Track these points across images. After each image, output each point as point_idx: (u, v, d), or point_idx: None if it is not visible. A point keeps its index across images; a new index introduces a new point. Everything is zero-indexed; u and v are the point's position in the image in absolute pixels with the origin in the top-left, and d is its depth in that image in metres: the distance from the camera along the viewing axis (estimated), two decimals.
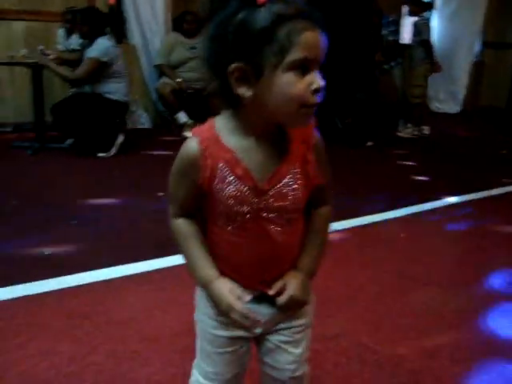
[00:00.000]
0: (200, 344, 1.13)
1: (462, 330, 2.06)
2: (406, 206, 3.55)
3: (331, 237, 2.82)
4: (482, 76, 9.20)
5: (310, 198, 1.03)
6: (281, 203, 0.97)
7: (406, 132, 6.41)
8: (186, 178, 0.97)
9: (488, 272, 2.58)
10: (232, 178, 0.94)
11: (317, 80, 0.88)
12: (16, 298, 2.12)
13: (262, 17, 0.85)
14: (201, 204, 1.01)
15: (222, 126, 0.96)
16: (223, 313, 1.01)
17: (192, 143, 0.95)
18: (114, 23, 5.96)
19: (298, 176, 0.97)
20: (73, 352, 1.77)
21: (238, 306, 0.99)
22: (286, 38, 0.85)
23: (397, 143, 6.10)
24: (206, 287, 1.02)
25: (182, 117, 5.61)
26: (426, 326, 2.06)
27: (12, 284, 2.22)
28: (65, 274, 2.33)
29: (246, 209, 0.96)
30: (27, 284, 2.23)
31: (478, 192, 4.00)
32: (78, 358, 1.74)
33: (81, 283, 2.27)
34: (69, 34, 5.34)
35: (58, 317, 1.99)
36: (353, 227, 3.11)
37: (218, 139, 0.95)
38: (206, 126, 0.97)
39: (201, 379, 1.14)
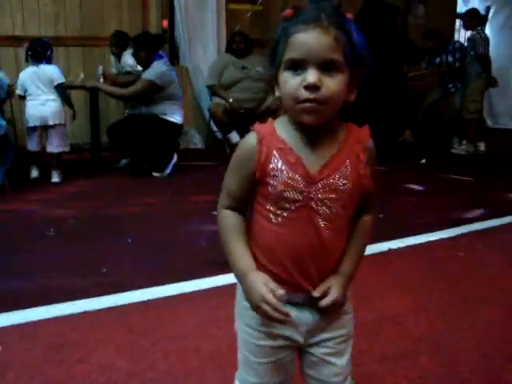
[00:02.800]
0: (242, 355, 1.13)
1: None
2: (464, 224, 3.44)
3: (387, 255, 2.78)
4: None
5: (359, 204, 1.06)
6: (329, 195, 1.00)
7: (460, 149, 6.25)
8: (242, 167, 1.04)
9: None
10: (285, 165, 1.00)
11: (307, 77, 0.94)
12: (76, 314, 2.17)
13: (279, 26, 0.99)
14: (251, 197, 1.06)
15: (279, 122, 1.05)
16: (254, 305, 1.01)
17: (250, 135, 1.04)
18: (167, 46, 6.14)
19: (349, 172, 1.01)
20: (131, 368, 1.79)
21: (270, 297, 0.98)
22: (283, 41, 0.97)
23: (451, 160, 5.95)
24: (242, 278, 1.03)
25: (235, 137, 5.67)
26: (491, 348, 1.98)
27: (72, 299, 2.27)
28: (121, 291, 2.37)
29: (296, 196, 1.00)
30: (86, 300, 2.28)
31: None
32: (136, 373, 1.76)
33: (137, 300, 2.30)
34: (116, 56, 5.49)
35: (117, 333, 2.02)
36: (408, 246, 3.03)
37: (274, 132, 1.03)
38: (265, 124, 1.05)
39: None
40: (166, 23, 6.17)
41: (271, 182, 1.00)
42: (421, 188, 4.60)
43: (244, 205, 1.08)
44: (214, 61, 6.11)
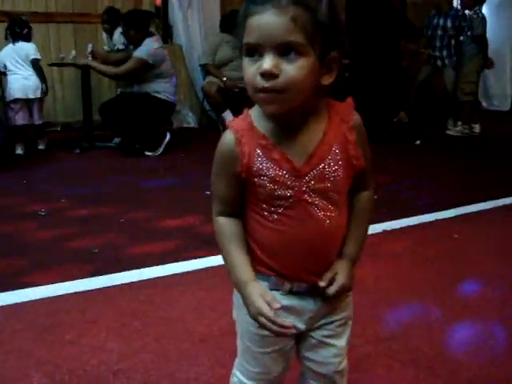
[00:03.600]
0: (243, 344, 1.11)
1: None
2: (459, 206, 3.43)
3: (381, 237, 2.77)
4: None
5: (354, 182, 1.02)
6: (322, 185, 0.95)
7: (455, 130, 6.22)
8: (226, 169, 0.98)
9: None
10: (269, 163, 0.95)
11: (262, 63, 0.86)
12: (66, 295, 2.15)
13: (242, 6, 0.90)
14: (243, 198, 1.01)
15: (256, 113, 0.97)
16: (252, 316, 0.98)
17: (227, 135, 0.98)
18: (160, 24, 6.05)
19: (339, 157, 0.96)
20: (122, 350, 1.78)
21: (266, 310, 0.95)
22: (242, 23, 0.88)
23: (446, 142, 5.93)
24: (241, 289, 1.00)
25: (228, 116, 5.61)
26: (484, 330, 1.98)
27: (62, 281, 2.25)
28: (113, 272, 2.35)
29: (288, 192, 0.95)
30: (77, 281, 2.26)
31: None
32: (127, 355, 1.75)
33: (129, 281, 2.28)
34: (108, 33, 5.41)
35: (108, 314, 2.00)
36: (402, 227, 3.02)
37: (253, 127, 0.96)
38: (240, 117, 0.99)
39: (244, 380, 1.12)
40: (159, 1, 6.07)
41: (259, 182, 0.95)
42: (414, 170, 4.58)
43: (237, 207, 1.03)
44: (207, 39, 6.03)
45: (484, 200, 3.59)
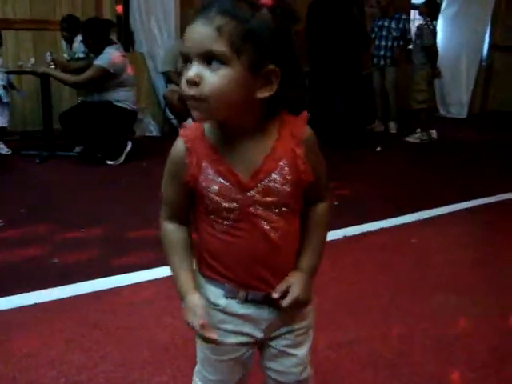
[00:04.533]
0: (201, 352, 1.11)
1: (475, 336, 2.01)
2: (417, 211, 3.50)
3: (341, 243, 2.80)
4: (490, 80, 9.13)
5: (307, 195, 1.02)
6: (268, 199, 0.96)
7: (414, 137, 6.34)
8: (175, 177, 0.99)
9: (498, 278, 2.55)
10: (216, 175, 0.95)
11: (187, 72, 0.87)
12: (25, 306, 2.10)
13: None
14: (191, 205, 1.02)
15: (209, 125, 0.97)
16: (189, 324, 0.99)
17: (178, 143, 0.99)
18: (122, 32, 6.00)
19: (286, 171, 0.95)
20: (82, 361, 1.75)
21: (195, 323, 0.97)
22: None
23: (406, 148, 6.05)
24: (182, 298, 1.03)
25: (191, 124, 5.60)
26: (442, 332, 2.02)
27: (20, 292, 2.20)
28: (73, 282, 2.32)
29: (233, 205, 0.96)
30: (36, 292, 2.21)
31: (490, 196, 3.95)
32: (87, 366, 1.72)
33: (89, 291, 2.25)
34: (67, 41, 5.34)
35: (68, 325, 1.97)
36: (362, 233, 3.07)
37: (203, 137, 0.97)
38: (193, 126, 1.00)
39: None
40: (120, 8, 6.02)
41: (206, 193, 0.96)
42: (374, 175, 4.66)
43: (185, 214, 1.04)
44: (169, 47, 6.01)
45: (442, 204, 3.67)
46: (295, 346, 1.10)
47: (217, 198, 0.96)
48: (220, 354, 1.07)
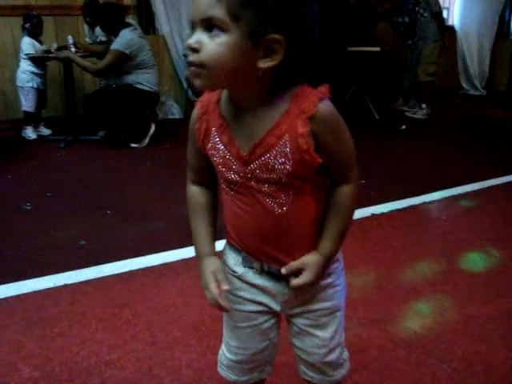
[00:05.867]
0: (225, 318, 1.13)
1: (509, 316, 1.97)
2: (446, 188, 3.44)
3: (369, 221, 2.77)
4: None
5: (329, 175, 0.97)
6: (267, 175, 0.92)
7: (422, 113, 6.15)
8: (192, 142, 1.01)
9: None
10: (220, 144, 0.94)
11: (189, 39, 0.85)
12: (54, 288, 2.12)
13: None
14: (211, 168, 1.01)
15: (224, 93, 0.96)
16: (202, 287, 1.01)
17: (194, 109, 0.99)
18: (142, 15, 5.97)
19: (288, 149, 0.90)
20: (113, 340, 1.76)
21: (212, 288, 0.98)
22: None
23: (426, 125, 5.92)
24: (198, 261, 1.04)
25: None
26: (475, 311, 1.98)
27: (50, 274, 2.22)
28: (101, 263, 2.33)
29: (235, 177, 0.95)
30: (65, 273, 2.23)
31: None
32: (118, 346, 1.73)
33: (118, 272, 2.26)
34: (90, 26, 5.34)
35: (98, 305, 1.98)
36: (391, 211, 3.03)
37: (216, 106, 0.95)
38: (211, 93, 0.97)
39: (226, 353, 1.15)
40: None
41: (213, 160, 0.96)
42: (401, 153, 4.59)
43: (207, 177, 1.04)
44: (190, 29, 5.98)
45: (468, 182, 3.60)
46: (317, 326, 1.08)
47: (220, 167, 0.96)
48: (238, 320, 1.08)
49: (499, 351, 1.73)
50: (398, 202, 3.16)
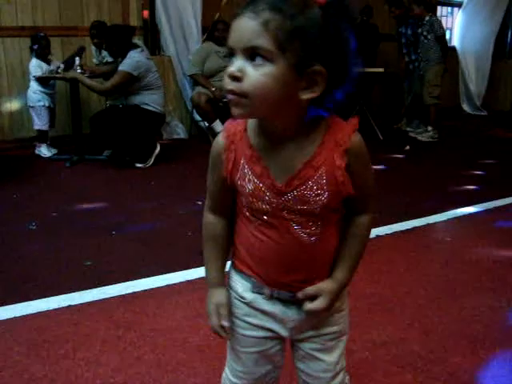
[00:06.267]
0: (230, 343, 1.12)
1: None
2: (450, 210, 3.44)
3: (374, 242, 2.76)
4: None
5: (349, 205, 0.98)
6: (301, 206, 0.93)
7: (428, 136, 6.19)
8: (215, 171, 1.00)
9: None
10: (251, 175, 0.94)
11: (230, 66, 0.84)
12: (59, 308, 2.12)
13: None
14: (232, 198, 1.02)
15: (252, 122, 0.95)
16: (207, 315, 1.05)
17: (220, 137, 0.98)
18: (148, 35, 6.05)
19: (324, 181, 0.91)
20: (117, 362, 1.76)
21: (213, 320, 1.04)
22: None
23: (430, 147, 5.94)
24: (208, 289, 1.07)
25: (218, 126, 5.60)
26: (479, 333, 1.97)
27: (54, 294, 2.22)
28: (106, 284, 2.33)
29: (266, 207, 0.95)
30: (69, 294, 2.23)
31: None
32: (122, 368, 1.73)
33: (123, 293, 2.26)
34: (97, 47, 5.41)
35: (102, 327, 1.98)
36: (395, 232, 3.03)
37: (244, 135, 0.95)
38: (237, 122, 0.97)
39: (230, 376, 1.14)
40: (146, 13, 6.06)
41: (241, 190, 0.96)
42: (404, 174, 4.60)
43: (226, 206, 1.04)
44: (196, 49, 6.04)
45: (475, 203, 3.60)
46: (324, 350, 1.08)
47: (249, 198, 0.95)
48: (245, 346, 1.08)
49: (508, 378, 1.71)
50: (402, 223, 3.16)
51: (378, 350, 1.83)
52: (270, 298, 1.02)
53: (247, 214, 0.99)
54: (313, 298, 0.99)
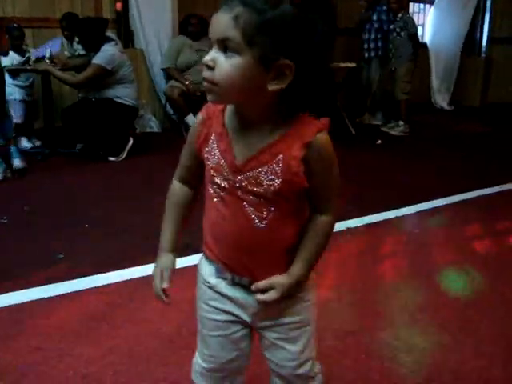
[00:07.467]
0: (199, 327, 1.16)
1: (483, 325, 2.03)
2: (420, 203, 3.52)
3: (344, 235, 2.80)
4: (490, 72, 9.13)
5: (311, 202, 1.03)
6: (255, 188, 0.97)
7: (399, 130, 6.32)
8: (190, 143, 1.07)
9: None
10: (216, 150, 1.00)
11: (206, 56, 0.91)
12: (33, 300, 2.12)
13: None
14: (201, 171, 1.07)
15: (229, 105, 1.01)
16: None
17: (200, 113, 1.05)
18: (121, 28, 6.00)
19: (279, 168, 0.95)
20: (91, 353, 1.77)
21: (156, 283, 1.12)
22: None
23: (401, 141, 6.04)
24: (158, 253, 1.13)
25: (191, 120, 5.60)
26: (447, 321, 2.04)
27: (26, 287, 2.22)
28: (79, 277, 2.33)
29: (223, 183, 1.00)
30: (43, 286, 2.23)
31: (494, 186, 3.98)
32: (96, 359, 1.74)
33: (96, 285, 2.26)
34: (68, 40, 5.35)
35: (75, 319, 1.99)
36: (365, 224, 3.09)
37: (221, 115, 1.01)
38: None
39: (199, 360, 1.18)
40: (119, 5, 6.01)
41: (206, 163, 1.03)
42: (376, 167, 4.67)
43: (194, 178, 1.11)
44: (169, 43, 6.01)
45: (441, 196, 3.68)
46: (287, 340, 1.11)
47: (211, 171, 1.01)
48: (210, 329, 1.12)
49: (470, 361, 1.78)
50: (372, 215, 3.22)
51: (347, 339, 1.88)
52: (232, 283, 1.06)
53: (210, 189, 1.04)
54: (265, 290, 1.03)
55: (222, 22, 0.87)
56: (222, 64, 0.88)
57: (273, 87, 0.90)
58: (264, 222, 1.00)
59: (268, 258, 1.04)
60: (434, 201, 3.57)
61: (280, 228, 1.01)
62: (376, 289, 2.30)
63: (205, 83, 0.92)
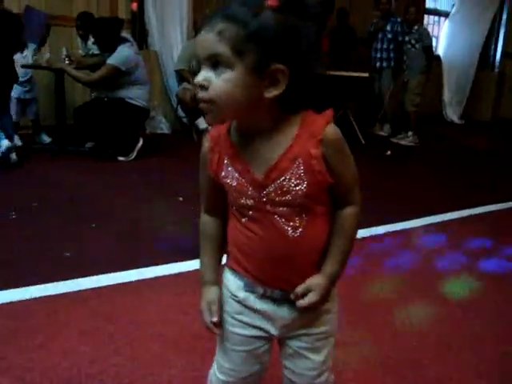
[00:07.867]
0: (219, 339, 1.15)
1: (486, 342, 2.02)
2: (430, 215, 3.51)
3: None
4: (503, 87, 9.11)
5: (335, 198, 1.01)
6: (283, 198, 0.96)
7: (409, 141, 6.37)
8: (204, 171, 1.05)
9: None
10: (234, 172, 0.99)
11: (197, 77, 0.91)
12: (40, 297, 2.13)
13: None
14: (223, 197, 1.06)
15: (234, 123, 1.00)
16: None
17: (205, 141, 1.05)
18: (136, 29, 6.04)
19: (301, 171, 0.95)
20: (94, 353, 1.78)
21: (205, 317, 1.08)
22: None
23: (411, 152, 6.04)
24: (202, 287, 1.11)
25: (202, 123, 5.62)
26: (448, 334, 2.04)
27: (34, 284, 2.23)
28: (84, 276, 2.34)
29: (249, 202, 0.99)
30: (49, 284, 2.24)
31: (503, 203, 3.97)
32: (99, 359, 1.75)
33: (102, 285, 2.28)
34: (83, 39, 5.39)
35: (81, 318, 2.00)
36: (371, 235, 3.08)
37: (227, 136, 1.00)
38: (220, 125, 1.03)
39: (217, 373, 1.16)
40: (135, 6, 6.06)
41: (227, 188, 1.01)
42: (387, 178, 4.67)
43: (219, 206, 1.08)
44: (183, 45, 6.05)
45: (448, 210, 3.68)
46: (312, 349, 1.10)
47: (234, 194, 1.00)
48: (234, 343, 1.10)
49: (473, 379, 1.77)
50: (378, 227, 3.21)
51: (350, 350, 1.87)
52: (262, 296, 1.05)
53: (235, 212, 1.03)
54: (304, 295, 1.01)
55: (209, 40, 0.88)
56: (216, 81, 0.89)
57: (270, 94, 0.91)
58: (298, 231, 0.99)
59: (303, 265, 1.03)
60: (442, 214, 3.57)
61: (313, 233, 1.01)
62: (380, 301, 2.29)
63: (202, 104, 0.92)
